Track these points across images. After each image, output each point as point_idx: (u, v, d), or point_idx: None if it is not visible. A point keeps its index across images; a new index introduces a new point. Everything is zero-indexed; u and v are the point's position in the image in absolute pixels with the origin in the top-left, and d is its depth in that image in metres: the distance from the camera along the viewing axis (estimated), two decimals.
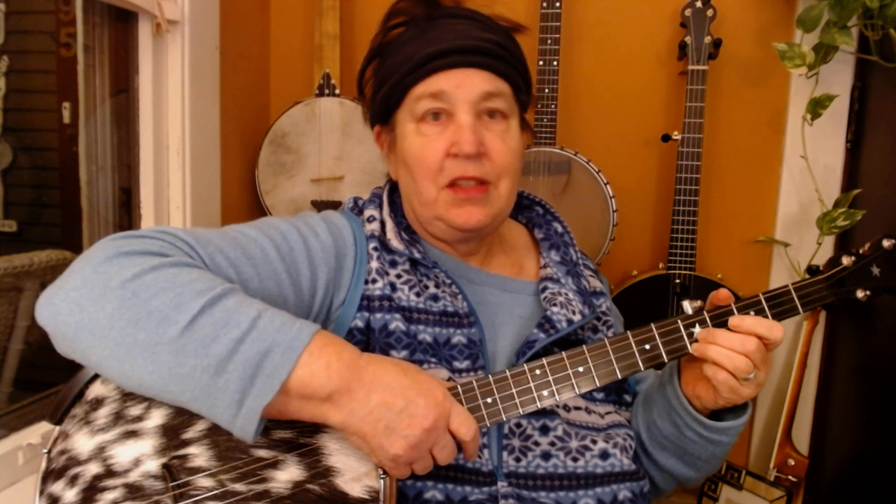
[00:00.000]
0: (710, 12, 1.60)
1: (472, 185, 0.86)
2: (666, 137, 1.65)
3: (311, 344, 0.67)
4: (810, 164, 1.62)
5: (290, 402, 0.67)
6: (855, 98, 1.63)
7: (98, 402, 0.73)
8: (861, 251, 0.87)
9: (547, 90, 1.66)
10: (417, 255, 0.88)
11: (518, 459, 0.83)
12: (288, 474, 0.70)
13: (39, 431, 1.16)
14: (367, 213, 0.93)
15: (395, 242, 0.88)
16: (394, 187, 0.97)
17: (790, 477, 1.59)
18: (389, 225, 0.91)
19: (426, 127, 0.86)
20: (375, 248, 0.88)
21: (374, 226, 0.90)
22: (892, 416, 1.42)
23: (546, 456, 0.83)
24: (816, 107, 1.55)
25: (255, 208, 1.82)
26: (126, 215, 1.57)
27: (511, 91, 0.88)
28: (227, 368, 0.64)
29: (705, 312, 0.83)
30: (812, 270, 0.88)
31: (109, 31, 1.50)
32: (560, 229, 1.02)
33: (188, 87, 1.51)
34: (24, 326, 1.51)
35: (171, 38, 1.49)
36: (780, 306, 0.84)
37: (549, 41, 1.65)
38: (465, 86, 0.84)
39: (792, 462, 1.60)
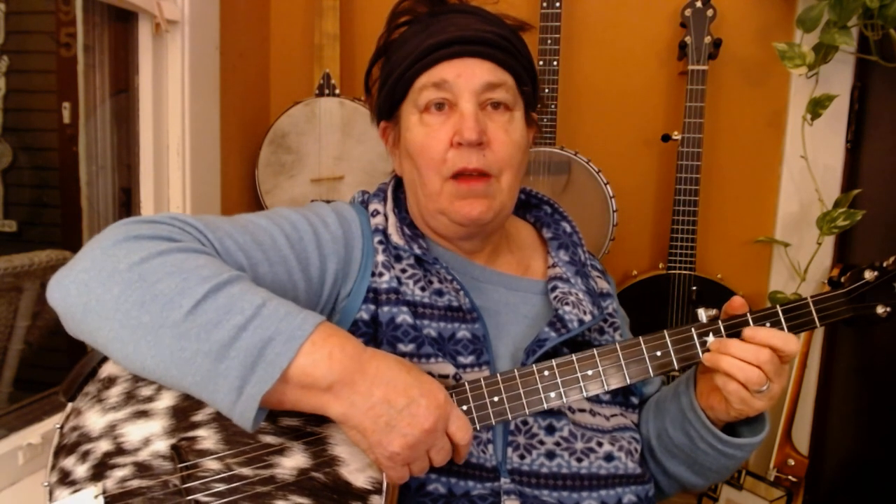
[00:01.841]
0: (710, 12, 1.61)
1: (475, 176, 0.85)
2: (666, 137, 1.65)
3: (315, 334, 0.66)
4: (810, 164, 1.62)
5: (290, 391, 0.66)
6: (855, 98, 1.63)
7: (111, 381, 0.73)
8: (885, 265, 0.83)
9: (547, 90, 1.66)
10: (418, 252, 0.87)
11: (522, 457, 0.82)
12: (294, 461, 0.71)
13: (39, 431, 1.16)
14: (372, 206, 0.93)
15: (396, 238, 0.88)
16: (399, 183, 0.97)
17: (790, 477, 1.59)
18: (392, 220, 0.91)
19: (429, 117, 0.86)
20: (381, 242, 0.88)
21: (379, 219, 0.90)
22: (892, 416, 1.42)
23: (550, 455, 0.83)
24: (816, 107, 1.55)
25: (255, 208, 1.82)
26: (126, 215, 1.57)
27: (514, 83, 0.88)
28: (228, 354, 0.64)
29: (720, 322, 0.81)
30: (834, 283, 0.85)
31: (109, 31, 1.50)
32: (569, 229, 1.01)
33: (188, 87, 1.51)
34: (24, 326, 1.51)
35: (170, 38, 1.49)
36: (796, 319, 0.81)
37: (549, 41, 1.65)
38: (467, 75, 0.84)
39: (792, 462, 1.60)
